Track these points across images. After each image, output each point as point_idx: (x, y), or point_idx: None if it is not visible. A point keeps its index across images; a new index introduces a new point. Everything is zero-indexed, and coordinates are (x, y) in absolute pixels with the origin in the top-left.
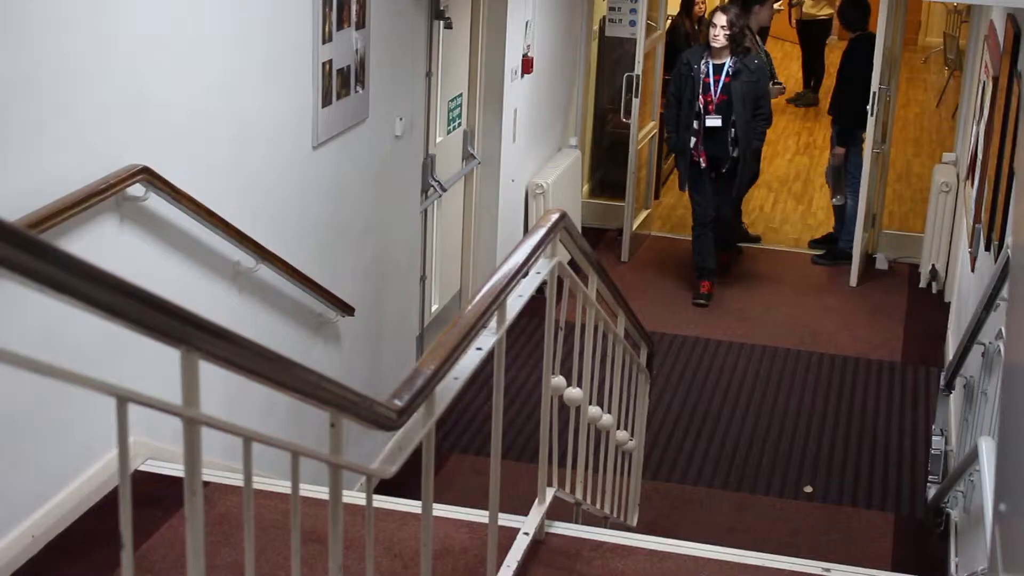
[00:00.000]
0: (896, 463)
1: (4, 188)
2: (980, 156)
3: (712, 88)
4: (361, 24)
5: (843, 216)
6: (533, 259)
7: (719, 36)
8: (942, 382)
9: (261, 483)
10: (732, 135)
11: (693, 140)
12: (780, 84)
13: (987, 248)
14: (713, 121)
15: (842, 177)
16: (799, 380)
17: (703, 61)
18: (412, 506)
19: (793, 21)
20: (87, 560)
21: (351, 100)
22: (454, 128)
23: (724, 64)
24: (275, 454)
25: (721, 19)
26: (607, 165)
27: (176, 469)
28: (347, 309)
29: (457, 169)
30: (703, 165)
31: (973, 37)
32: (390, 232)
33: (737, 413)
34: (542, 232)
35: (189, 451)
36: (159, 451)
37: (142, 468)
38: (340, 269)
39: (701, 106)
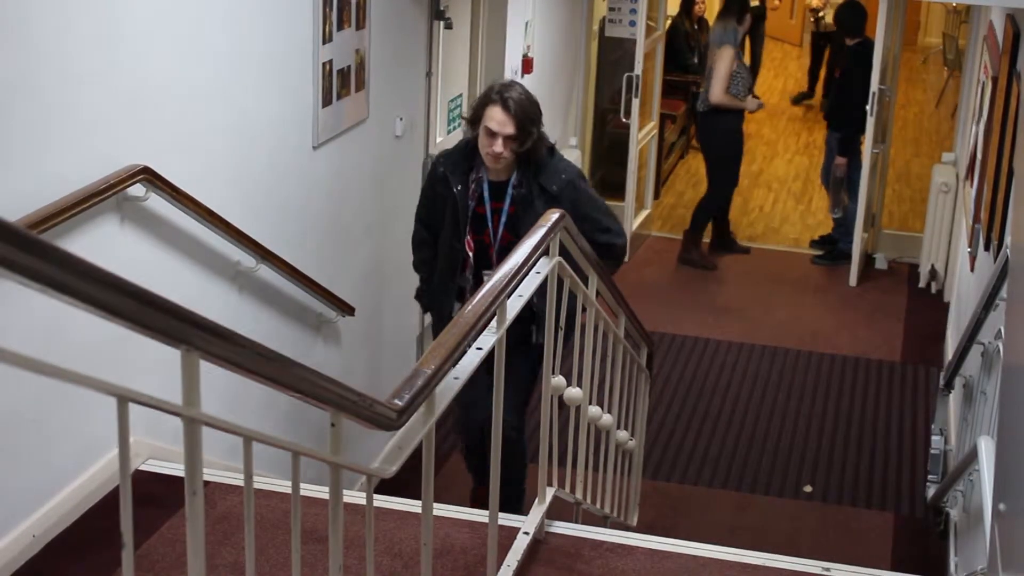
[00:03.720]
0: (896, 463)
1: (5, 188)
2: (979, 156)
3: (490, 223)
4: (361, 24)
5: (843, 222)
6: (533, 259)
7: (500, 152)
8: (941, 382)
9: (261, 483)
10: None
11: (458, 306)
12: (758, 99)
13: (986, 248)
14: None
15: (843, 188)
16: (799, 380)
17: (471, 177)
18: (412, 506)
19: (808, 31)
20: (87, 560)
21: (351, 100)
22: (454, 128)
23: (508, 184)
24: (275, 454)
25: (502, 121)
26: (607, 165)
27: (176, 469)
28: (347, 309)
29: None
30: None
31: (972, 37)
32: (390, 232)
33: (737, 413)
34: (542, 232)
35: (189, 451)
36: (159, 451)
37: (142, 468)
38: (340, 269)
39: (471, 252)
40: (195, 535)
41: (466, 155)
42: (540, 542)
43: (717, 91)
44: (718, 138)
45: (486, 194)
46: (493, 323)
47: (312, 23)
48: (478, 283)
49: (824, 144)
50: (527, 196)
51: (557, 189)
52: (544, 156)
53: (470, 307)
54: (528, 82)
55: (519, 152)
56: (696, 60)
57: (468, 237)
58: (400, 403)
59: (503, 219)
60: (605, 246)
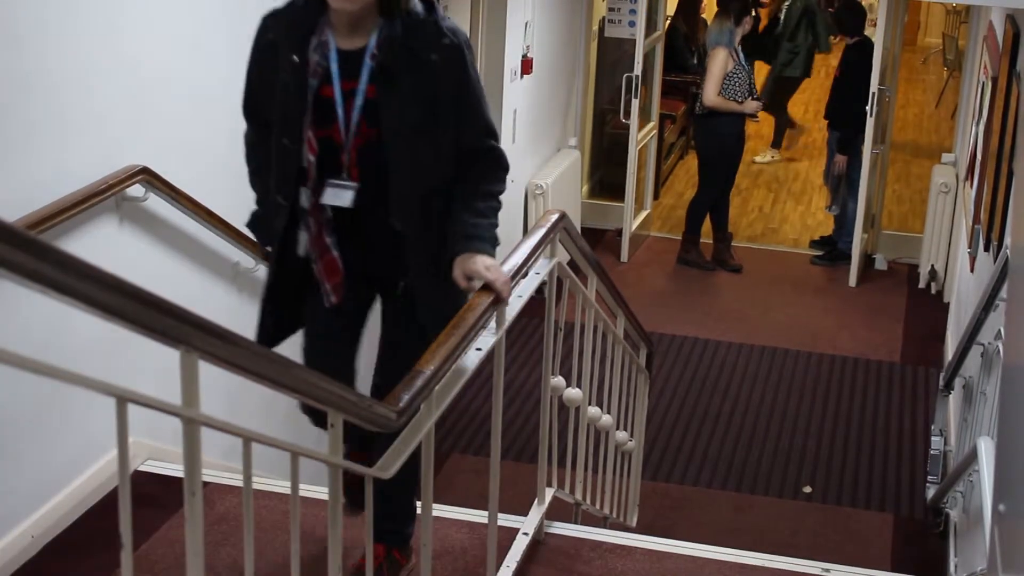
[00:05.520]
0: (895, 463)
1: (4, 188)
2: (979, 156)
3: (341, 110)
4: None
5: (843, 221)
6: (533, 259)
7: None
8: (941, 382)
9: (261, 483)
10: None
11: (305, 233)
12: (759, 99)
13: (986, 248)
14: (340, 196)
15: (842, 185)
16: (798, 380)
17: (312, 44)
18: None
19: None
20: (87, 560)
21: None
22: None
23: (365, 51)
24: (275, 454)
25: None
26: (606, 166)
27: (176, 469)
28: None
29: None
30: (330, 294)
31: (972, 38)
32: None
33: (736, 414)
34: (541, 232)
35: (189, 451)
36: (159, 451)
37: (142, 468)
38: None
39: (313, 155)
40: (194, 536)
41: (305, 12)
42: (539, 543)
43: (710, 93)
44: (712, 141)
45: (334, 67)
46: (493, 324)
47: None
48: (321, 206)
49: (825, 144)
50: (391, 69)
51: (438, 59)
52: (417, 8)
53: (470, 308)
54: (527, 83)
55: None
56: (696, 61)
57: (309, 132)
58: (400, 403)
59: (358, 103)
60: (494, 156)
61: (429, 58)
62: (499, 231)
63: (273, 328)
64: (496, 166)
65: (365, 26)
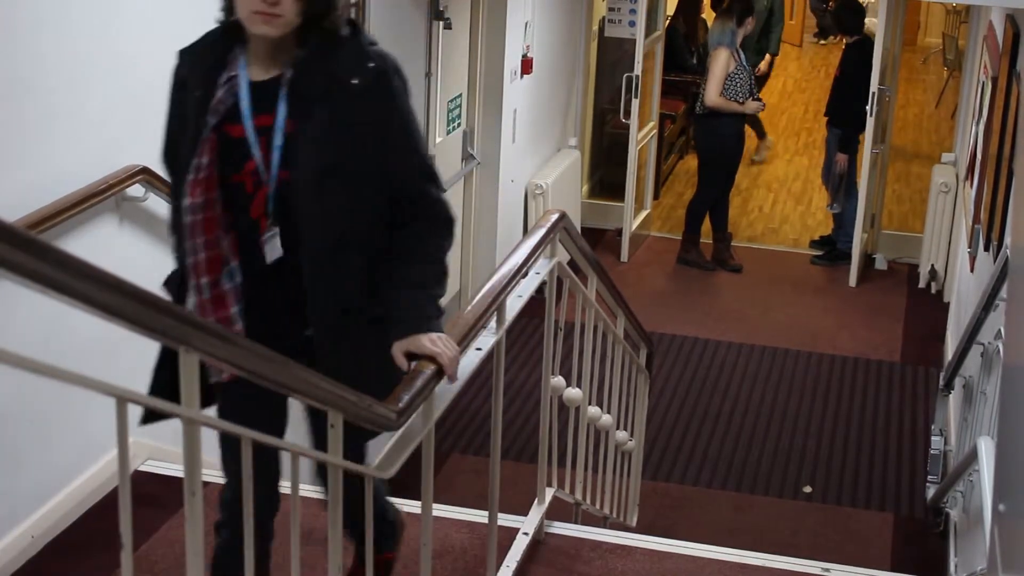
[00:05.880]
0: (895, 463)
1: (4, 188)
2: (979, 156)
3: (256, 151)
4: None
5: (842, 221)
6: (532, 259)
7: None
8: (941, 382)
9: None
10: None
11: (207, 287)
12: (760, 101)
13: (986, 248)
14: (272, 248)
15: (843, 184)
16: (798, 380)
17: (221, 78)
18: (412, 506)
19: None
20: (87, 560)
21: None
22: (453, 129)
23: (280, 79)
24: None
25: None
26: (606, 165)
27: (176, 469)
28: None
29: (456, 169)
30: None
31: (972, 37)
32: None
33: (736, 413)
34: (541, 232)
35: (189, 451)
36: (159, 451)
37: (142, 468)
38: None
39: (217, 211)
40: (194, 536)
41: (219, 43)
42: (539, 543)
43: (712, 94)
44: (712, 141)
45: (244, 102)
46: (492, 324)
47: None
48: (256, 269)
49: (824, 143)
50: (307, 96)
51: (360, 83)
52: (339, 29)
53: (470, 307)
54: (527, 83)
55: (311, 12)
56: (695, 61)
57: (199, 176)
58: (399, 404)
59: (277, 143)
60: (434, 209)
61: (349, 83)
62: (448, 288)
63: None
64: (437, 222)
65: (284, 53)
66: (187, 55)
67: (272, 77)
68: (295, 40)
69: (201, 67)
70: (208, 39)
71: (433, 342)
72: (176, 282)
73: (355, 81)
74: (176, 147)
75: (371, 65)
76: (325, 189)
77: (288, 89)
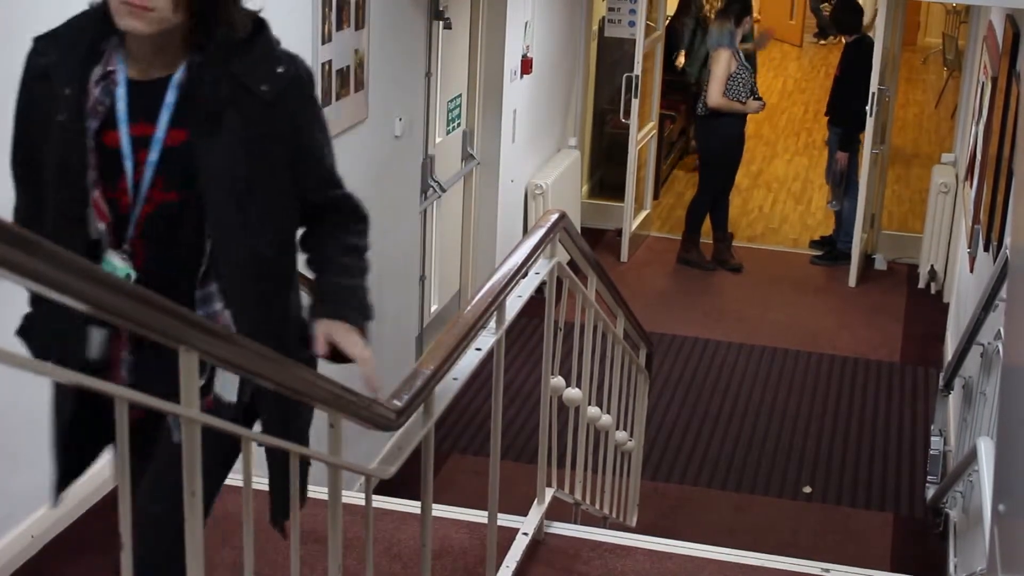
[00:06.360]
0: (895, 463)
1: (4, 188)
2: (979, 157)
3: (129, 165)
4: (360, 24)
5: (842, 222)
6: (532, 259)
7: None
8: (941, 382)
9: (261, 483)
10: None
11: (98, 331)
12: (760, 100)
13: (986, 248)
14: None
15: (844, 182)
16: (798, 380)
17: (95, 74)
18: (412, 506)
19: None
20: (86, 560)
21: (350, 100)
22: (453, 128)
23: (168, 83)
24: None
25: None
26: (606, 165)
27: None
28: None
29: (456, 169)
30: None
31: (972, 37)
32: (389, 232)
33: (736, 414)
34: (541, 232)
35: (189, 451)
36: None
37: None
38: None
39: (104, 223)
40: (194, 536)
41: (90, 30)
42: (539, 543)
43: (714, 95)
44: (714, 142)
45: (121, 105)
46: (492, 324)
47: (311, 23)
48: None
49: (825, 143)
50: (212, 105)
51: (271, 91)
52: (241, 28)
53: (470, 307)
54: (527, 82)
55: (195, 8)
56: (683, 61)
57: (96, 192)
58: (399, 404)
59: (153, 158)
60: (349, 204)
61: (259, 90)
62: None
63: (78, 464)
64: (354, 216)
65: (171, 52)
66: (49, 42)
67: (158, 78)
68: (183, 40)
69: (71, 58)
70: (76, 24)
71: (363, 347)
72: (36, 322)
73: (264, 88)
74: (29, 146)
75: (281, 70)
76: (241, 208)
77: (180, 95)
